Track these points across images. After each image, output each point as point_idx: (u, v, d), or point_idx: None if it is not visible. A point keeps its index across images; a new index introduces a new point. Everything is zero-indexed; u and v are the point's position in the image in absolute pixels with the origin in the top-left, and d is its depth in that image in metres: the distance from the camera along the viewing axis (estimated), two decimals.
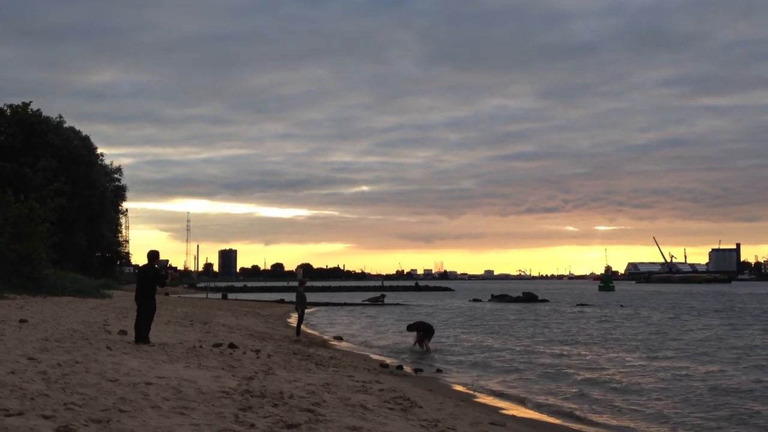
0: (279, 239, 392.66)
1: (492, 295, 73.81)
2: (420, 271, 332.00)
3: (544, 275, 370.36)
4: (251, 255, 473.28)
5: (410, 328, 23.71)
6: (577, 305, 57.75)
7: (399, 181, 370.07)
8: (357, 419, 8.38)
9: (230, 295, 72.86)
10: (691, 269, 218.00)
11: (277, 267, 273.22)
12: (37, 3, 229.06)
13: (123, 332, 15.75)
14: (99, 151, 67.63)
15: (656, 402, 13.37)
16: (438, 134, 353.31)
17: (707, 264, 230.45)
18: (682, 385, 15.37)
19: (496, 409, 12.13)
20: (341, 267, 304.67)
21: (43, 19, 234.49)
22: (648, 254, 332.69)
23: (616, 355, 21.39)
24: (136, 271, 24.33)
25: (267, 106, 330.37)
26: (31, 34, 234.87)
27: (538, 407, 12.88)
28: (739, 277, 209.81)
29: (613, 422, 11.73)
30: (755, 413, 12.28)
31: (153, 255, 14.60)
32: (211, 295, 70.33)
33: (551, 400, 13.57)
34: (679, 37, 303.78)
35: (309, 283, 69.56)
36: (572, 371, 17.54)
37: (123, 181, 78.82)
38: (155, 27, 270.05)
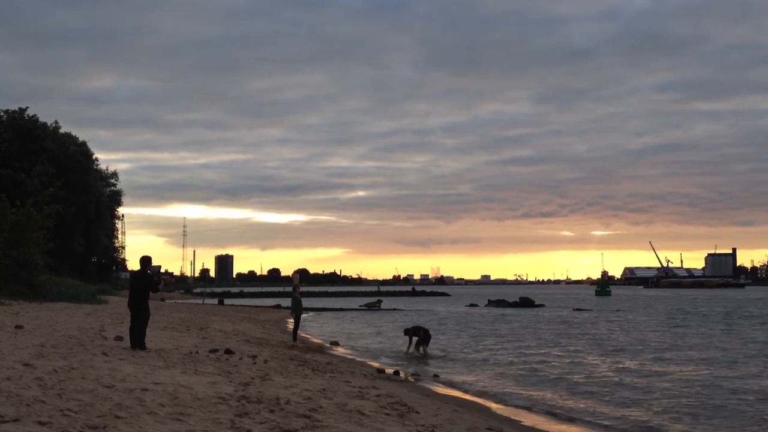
0: (275, 244, 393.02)
1: (488, 300, 73.95)
2: (417, 276, 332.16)
3: (541, 280, 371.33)
4: (248, 260, 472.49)
5: (407, 332, 23.70)
6: (574, 310, 57.96)
7: (396, 186, 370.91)
8: (354, 425, 8.37)
9: (227, 301, 72.77)
10: (687, 274, 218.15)
11: (274, 272, 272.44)
12: (35, 7, 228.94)
13: (119, 338, 15.72)
14: (95, 156, 67.76)
15: (655, 404, 13.40)
16: (435, 139, 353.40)
17: (703, 269, 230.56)
18: (682, 389, 15.43)
19: (493, 414, 12.12)
20: (338, 272, 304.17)
21: (42, 24, 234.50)
22: (644, 259, 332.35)
23: (612, 359, 21.39)
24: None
25: (265, 111, 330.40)
26: (29, 38, 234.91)
27: (536, 412, 12.87)
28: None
29: (606, 422, 11.74)
30: None
31: (145, 260, 14.57)
32: (207, 301, 70.35)
33: (548, 405, 13.56)
34: (675, 41, 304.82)
35: (305, 289, 69.41)
36: (569, 375, 17.55)
37: (119, 186, 78.91)
38: (154, 31, 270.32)
